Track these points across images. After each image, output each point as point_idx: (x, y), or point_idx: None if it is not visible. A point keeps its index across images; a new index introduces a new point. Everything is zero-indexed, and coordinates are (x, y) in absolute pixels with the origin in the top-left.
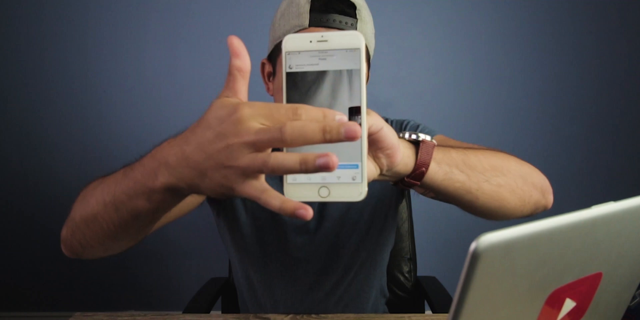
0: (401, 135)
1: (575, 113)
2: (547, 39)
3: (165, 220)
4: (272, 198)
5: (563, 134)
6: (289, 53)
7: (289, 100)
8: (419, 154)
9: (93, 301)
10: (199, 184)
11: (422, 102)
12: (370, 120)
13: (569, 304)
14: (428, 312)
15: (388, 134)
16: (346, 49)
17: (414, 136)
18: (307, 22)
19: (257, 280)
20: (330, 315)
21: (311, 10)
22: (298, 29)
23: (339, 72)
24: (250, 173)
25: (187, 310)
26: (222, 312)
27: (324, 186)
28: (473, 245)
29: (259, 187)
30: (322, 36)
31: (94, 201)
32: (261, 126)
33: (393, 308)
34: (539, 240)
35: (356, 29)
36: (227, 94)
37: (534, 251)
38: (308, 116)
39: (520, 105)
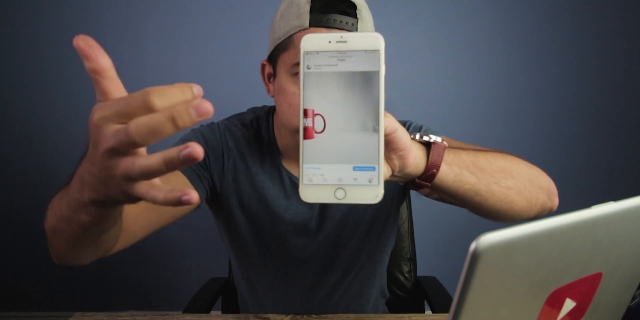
0: (412, 136)
1: (575, 113)
2: (547, 39)
3: (160, 222)
4: (156, 193)
5: (563, 134)
6: (307, 53)
7: (306, 101)
8: (430, 155)
9: (93, 301)
10: (111, 194)
11: (422, 102)
12: (386, 122)
13: (569, 304)
14: (428, 312)
15: (402, 135)
16: (365, 51)
17: (425, 137)
18: (307, 23)
19: (257, 281)
20: (330, 315)
21: (311, 11)
22: (298, 29)
23: (358, 74)
24: (130, 178)
25: (187, 310)
26: (222, 312)
27: (340, 188)
28: (473, 245)
29: (145, 187)
30: (341, 37)
31: (52, 214)
32: (115, 128)
33: (393, 308)
34: (539, 240)
35: (357, 29)
36: (99, 99)
37: (534, 251)
38: (162, 101)
39: (520, 105)
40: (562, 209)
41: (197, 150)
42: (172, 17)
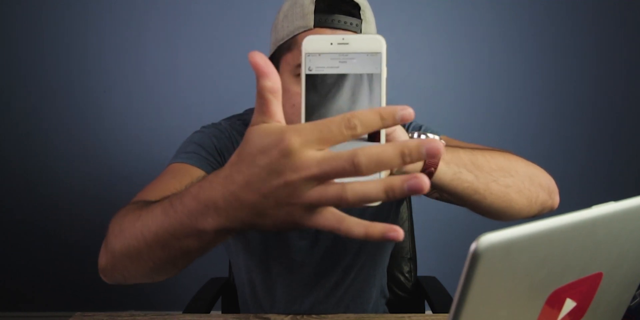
0: (410, 135)
1: (575, 113)
2: (547, 39)
3: None
4: (354, 226)
5: (563, 134)
6: (308, 55)
7: (308, 103)
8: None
9: (93, 301)
10: (258, 222)
11: (422, 102)
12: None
13: (569, 304)
14: (428, 312)
15: (400, 134)
16: (367, 53)
17: (422, 136)
18: (312, 23)
19: (257, 281)
20: (330, 316)
21: (316, 11)
22: (303, 30)
23: (359, 76)
24: (320, 207)
25: (187, 310)
26: (222, 312)
27: None
28: (473, 246)
29: (334, 218)
30: (343, 39)
31: (135, 237)
32: (320, 155)
33: (393, 308)
34: (539, 240)
35: (360, 29)
36: (263, 119)
37: (534, 251)
38: (363, 127)
39: (520, 105)
40: (562, 209)
41: (424, 182)
42: (172, 17)
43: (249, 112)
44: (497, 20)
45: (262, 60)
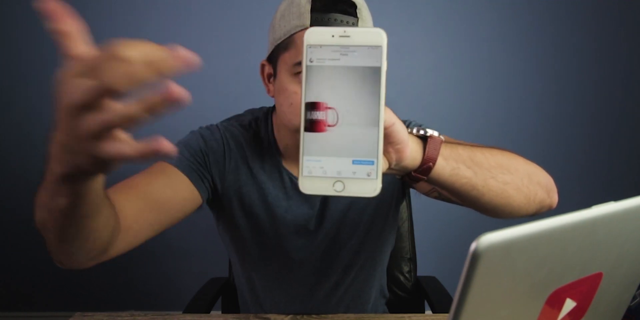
0: (409, 130)
1: (575, 113)
2: (547, 38)
3: (162, 222)
4: (125, 147)
5: (563, 134)
6: (310, 46)
7: (308, 95)
8: (427, 149)
9: (93, 301)
10: (79, 162)
11: (422, 102)
12: (384, 116)
13: (569, 304)
14: (428, 312)
15: (399, 129)
16: (368, 46)
17: (422, 131)
18: (308, 22)
19: (257, 281)
20: (330, 315)
21: (312, 10)
22: (299, 29)
23: (359, 69)
24: (98, 132)
25: (187, 310)
26: (222, 312)
27: (339, 181)
28: (473, 246)
29: (113, 145)
30: (344, 31)
31: (37, 209)
32: (85, 80)
33: (393, 308)
34: (539, 240)
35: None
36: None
37: (534, 251)
38: (134, 52)
39: (520, 105)
40: (562, 209)
41: (180, 92)
42: (172, 17)
43: (248, 113)
44: (497, 20)
45: (49, 3)
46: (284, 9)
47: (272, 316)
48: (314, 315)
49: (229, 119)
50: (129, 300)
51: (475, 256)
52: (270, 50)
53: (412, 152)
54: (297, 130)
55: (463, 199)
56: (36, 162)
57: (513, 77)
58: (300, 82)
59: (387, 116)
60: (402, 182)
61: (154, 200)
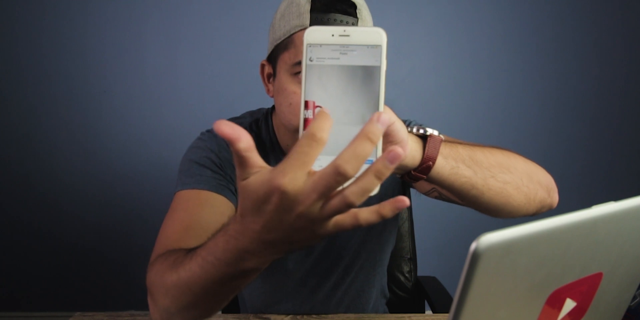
0: (409, 129)
1: (575, 113)
2: (548, 38)
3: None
4: (369, 216)
5: (563, 134)
6: (310, 45)
7: (307, 93)
8: (427, 148)
9: (93, 301)
10: (292, 247)
11: (422, 102)
12: (392, 116)
13: (569, 304)
14: (428, 312)
15: (399, 128)
16: (368, 45)
17: (421, 130)
18: (307, 22)
19: (257, 282)
20: (330, 316)
21: (312, 10)
22: (299, 29)
23: (359, 68)
24: (341, 211)
25: None
26: (222, 312)
27: None
28: (473, 246)
29: (350, 218)
30: (344, 31)
31: (184, 293)
32: (310, 181)
33: (393, 308)
34: (539, 240)
35: None
36: (249, 172)
37: (534, 251)
38: (354, 168)
39: (520, 105)
40: (562, 209)
41: (399, 151)
42: (172, 17)
43: (247, 115)
44: (498, 20)
45: (227, 127)
46: (283, 9)
47: (272, 316)
48: (314, 316)
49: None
50: (129, 300)
51: (475, 256)
52: (270, 50)
53: (411, 151)
54: (297, 130)
55: (463, 198)
56: (36, 162)
57: (513, 77)
58: (299, 82)
59: (388, 115)
60: (402, 182)
61: (211, 230)
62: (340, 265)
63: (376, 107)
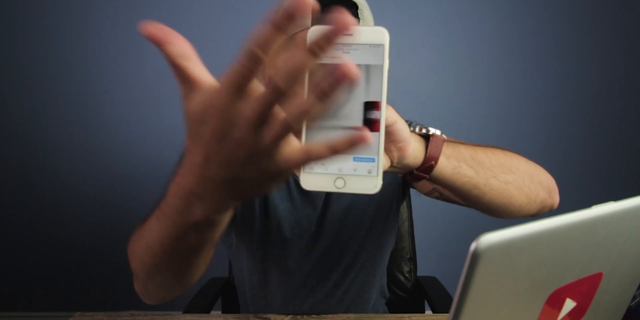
0: (412, 128)
1: (575, 113)
2: (547, 38)
3: (217, 239)
4: (321, 150)
5: (563, 134)
6: None
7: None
8: (429, 147)
9: (93, 301)
10: (239, 192)
11: (422, 102)
12: (386, 113)
13: (569, 304)
14: (428, 312)
15: (401, 127)
16: (370, 44)
17: (424, 130)
18: (309, 22)
19: (257, 282)
20: (330, 315)
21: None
22: (300, 29)
23: (361, 67)
24: (281, 149)
25: (187, 310)
26: (222, 312)
27: (340, 177)
28: (473, 246)
29: (301, 152)
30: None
31: (145, 254)
32: (247, 101)
33: (393, 308)
34: (539, 240)
35: None
36: (190, 88)
37: (534, 251)
38: (265, 50)
39: (520, 105)
40: (562, 209)
41: (351, 68)
42: (172, 17)
43: None
44: (497, 20)
45: (155, 28)
46: None
47: (272, 316)
48: (314, 315)
49: None
50: (129, 300)
51: (475, 256)
52: None
53: (414, 151)
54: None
55: (464, 198)
56: (36, 162)
57: (513, 77)
58: (300, 83)
59: (389, 114)
60: (402, 182)
61: None
62: (340, 265)
63: (378, 106)
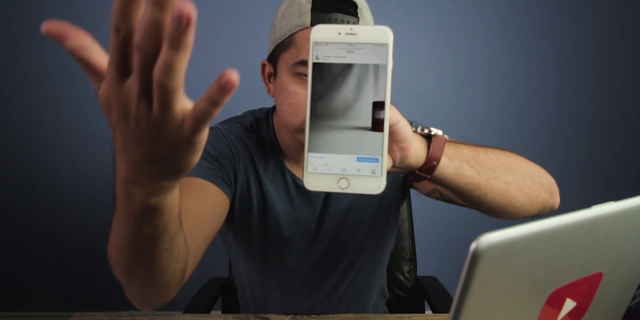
0: (414, 128)
1: (575, 113)
2: (547, 39)
3: (211, 233)
4: (203, 106)
5: (563, 134)
6: (316, 43)
7: (314, 91)
8: (431, 148)
9: (93, 301)
10: (165, 169)
11: (422, 102)
12: (389, 113)
13: (569, 304)
14: (428, 312)
15: (404, 127)
16: (374, 44)
17: (426, 130)
18: (308, 22)
19: (258, 281)
20: (330, 316)
21: (313, 10)
22: (300, 28)
23: (365, 66)
24: (171, 112)
25: (187, 310)
26: (222, 312)
27: (343, 177)
28: (473, 245)
29: (190, 119)
30: (350, 29)
31: (116, 255)
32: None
33: (393, 308)
34: (539, 240)
35: None
36: (97, 80)
37: (534, 251)
38: (127, 21)
39: (520, 105)
40: (562, 209)
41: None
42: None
43: (248, 115)
44: (498, 20)
45: (53, 26)
46: (285, 8)
47: (272, 316)
48: (314, 316)
49: (227, 121)
50: (129, 301)
51: (475, 256)
52: (271, 49)
53: (416, 151)
54: (297, 130)
55: (466, 198)
56: (36, 162)
57: (513, 77)
58: (300, 83)
59: (392, 114)
60: (403, 182)
61: (198, 215)
62: (340, 265)
63: (382, 106)
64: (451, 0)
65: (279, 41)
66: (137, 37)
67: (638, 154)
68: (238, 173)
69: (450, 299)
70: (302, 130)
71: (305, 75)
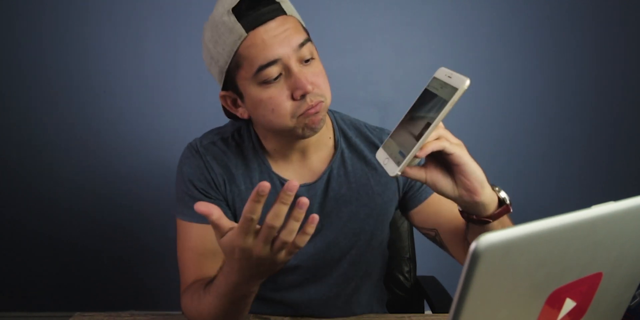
0: (497, 188)
1: (575, 113)
2: (547, 38)
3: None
4: (301, 239)
5: (563, 134)
6: (435, 78)
7: (414, 109)
8: (498, 212)
9: (93, 301)
10: (267, 273)
11: None
12: (452, 148)
13: (569, 304)
14: (428, 312)
15: (474, 170)
16: (451, 86)
17: (502, 194)
18: (243, 31)
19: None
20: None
21: (239, 20)
22: (240, 41)
23: (439, 98)
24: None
25: None
26: None
27: (388, 157)
28: (473, 245)
29: (292, 248)
30: (450, 76)
31: (214, 307)
32: (257, 239)
33: (393, 308)
34: (539, 240)
35: (284, 10)
36: (222, 233)
37: (534, 251)
38: (258, 209)
39: (520, 105)
40: (562, 209)
41: (305, 200)
42: (172, 17)
43: (229, 124)
44: (497, 20)
45: (202, 206)
46: (210, 36)
47: (272, 316)
48: (313, 317)
49: (210, 132)
50: (129, 300)
51: (475, 256)
52: (222, 79)
53: (488, 196)
54: (289, 129)
55: None
56: (36, 162)
57: (513, 77)
58: (269, 87)
59: (455, 150)
60: (400, 205)
61: (220, 252)
62: (338, 270)
63: (428, 125)
64: (451, 0)
65: (226, 66)
66: (269, 220)
67: (638, 154)
68: (226, 194)
69: (450, 299)
70: (295, 126)
71: (270, 79)
